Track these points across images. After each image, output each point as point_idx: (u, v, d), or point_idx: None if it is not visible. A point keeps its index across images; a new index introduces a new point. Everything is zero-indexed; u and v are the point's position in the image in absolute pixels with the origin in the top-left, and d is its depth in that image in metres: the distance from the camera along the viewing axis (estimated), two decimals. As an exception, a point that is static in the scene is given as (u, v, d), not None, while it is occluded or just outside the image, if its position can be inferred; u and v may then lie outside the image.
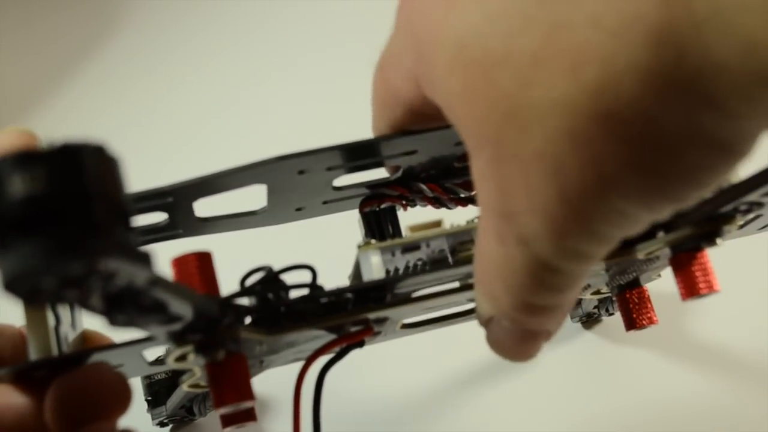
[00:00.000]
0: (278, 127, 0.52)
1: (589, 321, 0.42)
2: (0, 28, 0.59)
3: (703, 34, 0.16)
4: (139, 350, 0.26)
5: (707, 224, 0.26)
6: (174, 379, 0.33)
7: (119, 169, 0.17)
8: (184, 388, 0.30)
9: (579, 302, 0.40)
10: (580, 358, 0.42)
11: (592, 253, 0.21)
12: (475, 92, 0.20)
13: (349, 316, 0.26)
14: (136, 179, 0.21)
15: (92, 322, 0.27)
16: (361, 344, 0.29)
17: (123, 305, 0.19)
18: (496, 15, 0.19)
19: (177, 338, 0.24)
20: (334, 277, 0.28)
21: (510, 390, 0.41)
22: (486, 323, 0.26)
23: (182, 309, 0.21)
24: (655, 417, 0.39)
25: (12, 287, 0.16)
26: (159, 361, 0.29)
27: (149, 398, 0.36)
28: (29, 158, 0.16)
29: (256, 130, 0.53)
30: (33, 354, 0.25)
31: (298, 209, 0.31)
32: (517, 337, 0.25)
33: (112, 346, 0.25)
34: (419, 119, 0.26)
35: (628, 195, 0.19)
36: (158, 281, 0.18)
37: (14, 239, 0.16)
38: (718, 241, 0.27)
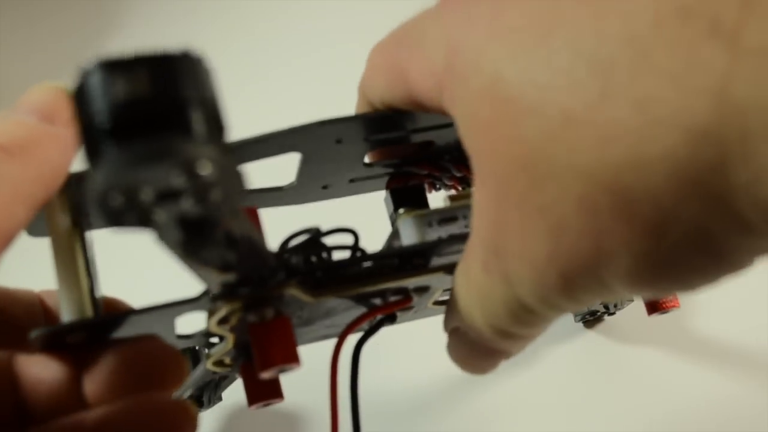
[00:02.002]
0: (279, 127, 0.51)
1: (591, 320, 0.42)
2: (0, 28, 0.58)
3: (749, 150, 0.16)
4: (176, 314, 0.25)
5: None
6: (193, 361, 0.31)
7: (216, 80, 0.17)
8: (208, 365, 0.29)
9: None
10: (583, 356, 0.42)
11: (570, 309, 0.21)
12: (498, 129, 0.20)
13: (394, 279, 0.26)
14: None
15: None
16: (393, 319, 0.29)
17: (200, 235, 0.18)
18: (541, 63, 0.19)
19: (229, 291, 0.23)
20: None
21: (512, 389, 0.41)
22: (451, 331, 0.26)
23: (251, 250, 0.20)
24: (658, 415, 0.39)
25: (106, 199, 0.16)
26: (185, 336, 0.28)
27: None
28: (131, 62, 0.16)
29: (256, 129, 0.52)
30: (67, 316, 0.24)
31: (325, 187, 0.31)
32: (479, 353, 0.26)
33: (152, 308, 0.24)
34: (414, 109, 0.26)
35: (617, 274, 0.19)
36: (241, 209, 0.18)
37: (113, 146, 0.15)
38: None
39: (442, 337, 0.36)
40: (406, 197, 0.30)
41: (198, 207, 0.17)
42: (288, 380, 0.30)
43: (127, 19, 0.60)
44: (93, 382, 0.23)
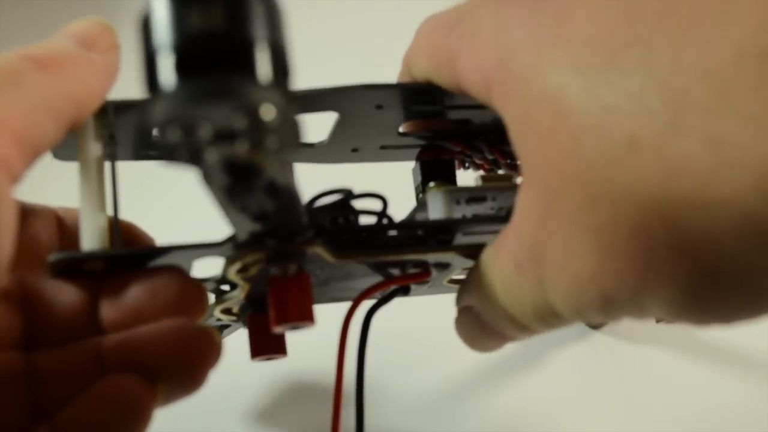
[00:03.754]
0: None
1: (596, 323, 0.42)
2: (0, 28, 0.57)
3: None
4: (196, 257, 0.25)
5: None
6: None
7: (284, 19, 0.16)
8: (216, 312, 0.29)
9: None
10: (590, 357, 0.42)
11: (598, 320, 0.21)
12: (556, 142, 0.19)
13: (417, 252, 0.26)
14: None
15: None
16: (407, 291, 0.29)
17: (245, 180, 0.18)
18: (610, 83, 0.18)
19: (256, 241, 0.23)
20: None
21: (520, 390, 0.41)
22: (463, 309, 0.26)
23: (289, 204, 0.20)
24: (666, 415, 0.39)
25: (164, 131, 0.15)
26: (199, 280, 0.27)
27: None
28: None
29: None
30: (87, 245, 0.24)
31: (355, 150, 0.30)
32: (488, 334, 0.26)
33: (175, 247, 0.24)
34: (458, 93, 0.25)
35: (659, 303, 0.19)
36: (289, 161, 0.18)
37: (179, 78, 0.15)
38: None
39: (448, 338, 0.36)
40: (435, 171, 0.30)
41: (251, 152, 0.16)
42: (294, 340, 0.30)
43: (127, 19, 0.59)
44: (111, 308, 0.23)
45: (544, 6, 0.21)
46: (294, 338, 0.30)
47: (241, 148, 0.16)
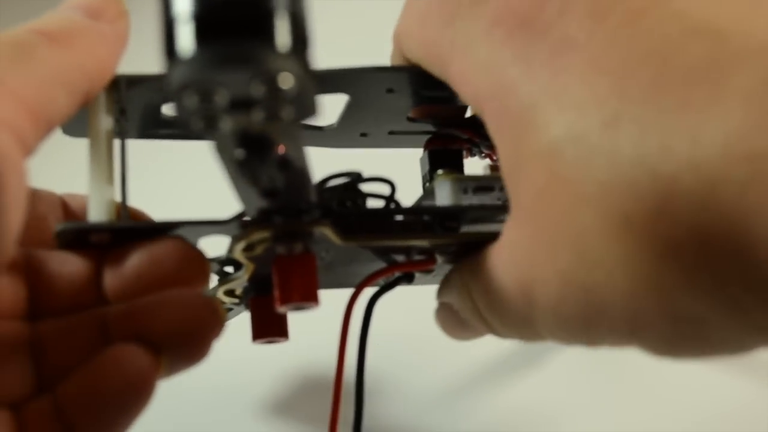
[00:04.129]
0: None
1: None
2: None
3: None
4: (202, 234, 0.25)
5: None
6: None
7: None
8: (219, 293, 0.29)
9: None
10: (590, 358, 0.42)
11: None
12: (552, 205, 0.20)
13: (424, 238, 0.25)
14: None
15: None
16: (410, 279, 0.28)
17: (259, 152, 0.18)
18: (604, 158, 0.19)
19: (264, 218, 0.23)
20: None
21: (521, 388, 0.41)
22: (443, 304, 0.27)
23: (300, 180, 0.20)
24: (667, 416, 0.39)
25: (181, 96, 0.15)
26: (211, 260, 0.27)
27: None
28: None
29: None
30: (94, 216, 0.24)
31: (363, 135, 0.30)
32: (466, 328, 0.27)
33: (178, 224, 0.24)
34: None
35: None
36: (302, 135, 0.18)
37: (198, 43, 0.15)
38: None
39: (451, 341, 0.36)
40: (443, 160, 0.30)
41: (267, 122, 0.16)
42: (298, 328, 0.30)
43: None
44: (114, 278, 0.23)
45: (537, 45, 0.21)
46: (297, 325, 0.30)
47: (256, 117, 0.16)
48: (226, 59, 0.15)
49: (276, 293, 0.24)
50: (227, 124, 0.16)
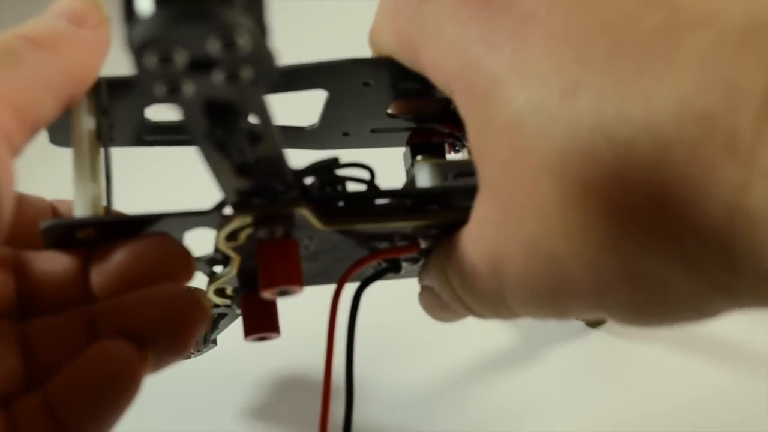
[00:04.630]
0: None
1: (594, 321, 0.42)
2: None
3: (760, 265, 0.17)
4: (186, 226, 0.25)
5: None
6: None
7: None
8: (209, 293, 0.29)
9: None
10: (588, 354, 0.42)
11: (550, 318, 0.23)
12: (516, 174, 0.21)
13: (405, 220, 0.26)
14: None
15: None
16: (398, 269, 0.29)
17: (224, 120, 0.19)
18: (565, 128, 0.19)
19: (243, 202, 0.23)
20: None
21: (517, 387, 0.41)
22: (425, 287, 0.28)
23: (271, 154, 0.21)
24: (662, 412, 0.39)
25: (141, 57, 0.16)
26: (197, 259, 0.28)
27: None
28: None
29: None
30: (79, 212, 0.24)
31: (346, 134, 0.31)
32: (449, 310, 0.27)
33: (162, 215, 0.24)
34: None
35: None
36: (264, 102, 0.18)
37: (155, 1, 0.15)
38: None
39: (446, 334, 0.36)
40: (425, 152, 0.30)
41: (228, 84, 0.17)
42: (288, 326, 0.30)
43: None
44: (100, 275, 0.23)
45: (501, 22, 0.21)
46: (287, 323, 0.30)
47: (217, 78, 0.17)
48: (182, 15, 0.15)
49: (260, 279, 0.24)
50: (190, 89, 0.17)
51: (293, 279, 0.24)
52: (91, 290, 0.24)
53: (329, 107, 0.29)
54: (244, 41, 0.16)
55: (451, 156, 0.31)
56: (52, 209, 0.27)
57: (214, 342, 0.36)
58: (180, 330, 0.23)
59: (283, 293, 0.24)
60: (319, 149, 0.32)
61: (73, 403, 0.22)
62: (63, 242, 0.24)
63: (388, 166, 0.32)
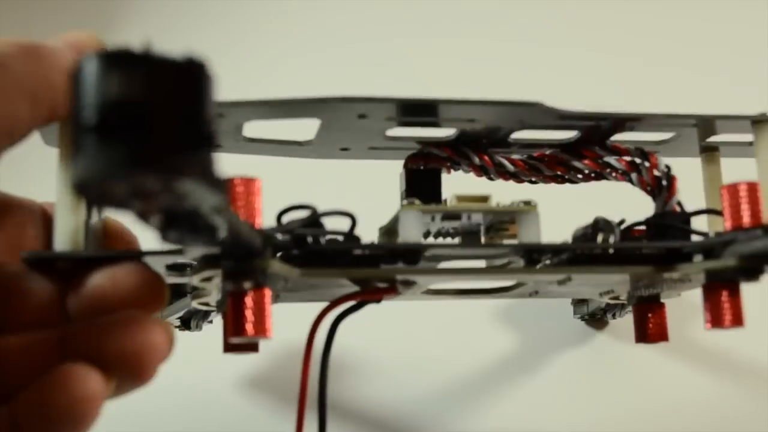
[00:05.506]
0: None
1: (595, 321, 0.42)
2: (0, 28, 0.57)
3: None
4: (165, 262, 0.25)
5: (754, 260, 0.26)
6: (180, 286, 0.32)
7: (212, 89, 0.16)
8: (194, 303, 0.30)
9: (584, 300, 0.40)
10: (590, 358, 0.42)
11: None
12: None
13: (380, 273, 0.26)
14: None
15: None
16: (378, 300, 0.29)
17: (179, 224, 0.18)
18: None
19: (212, 261, 0.23)
20: (364, 224, 0.28)
21: (522, 392, 0.41)
22: None
23: (231, 237, 0.20)
24: (666, 419, 0.39)
25: (83, 188, 0.16)
26: (175, 268, 0.28)
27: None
28: (131, 60, 0.15)
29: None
30: (60, 245, 0.25)
31: (344, 149, 0.30)
32: None
33: (139, 253, 0.25)
34: None
35: None
36: (224, 210, 0.18)
37: (96, 141, 0.15)
38: (757, 279, 0.27)
39: (450, 340, 0.37)
40: (421, 179, 0.30)
41: (169, 207, 0.17)
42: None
43: (126, 19, 0.59)
44: (76, 298, 0.24)
45: None
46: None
47: (165, 202, 0.17)
48: (121, 160, 0.15)
49: (227, 324, 0.25)
50: (138, 207, 0.17)
51: (261, 330, 0.24)
52: (68, 311, 0.24)
53: (323, 130, 0.28)
54: (183, 184, 0.16)
55: (450, 175, 0.31)
56: (43, 213, 0.27)
57: (210, 321, 0.37)
58: (140, 359, 0.23)
59: (252, 341, 0.25)
60: (319, 158, 0.31)
61: (33, 423, 0.23)
62: (44, 267, 0.25)
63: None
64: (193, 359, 0.37)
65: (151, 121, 0.15)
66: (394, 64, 0.53)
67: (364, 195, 0.35)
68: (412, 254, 0.26)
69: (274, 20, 0.59)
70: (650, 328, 0.33)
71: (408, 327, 0.42)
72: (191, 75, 0.16)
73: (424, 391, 0.41)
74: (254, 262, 0.23)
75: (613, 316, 0.39)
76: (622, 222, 0.29)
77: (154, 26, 0.58)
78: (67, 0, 0.60)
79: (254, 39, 0.57)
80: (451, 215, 0.28)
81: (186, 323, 0.36)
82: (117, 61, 0.15)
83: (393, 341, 0.42)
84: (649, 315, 0.33)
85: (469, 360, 0.42)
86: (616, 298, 0.33)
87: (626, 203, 0.30)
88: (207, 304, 0.30)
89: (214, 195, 0.17)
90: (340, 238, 0.26)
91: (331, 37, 0.56)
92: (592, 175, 0.32)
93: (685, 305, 0.36)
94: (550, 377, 0.41)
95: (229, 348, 0.29)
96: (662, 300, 0.33)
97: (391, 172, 0.31)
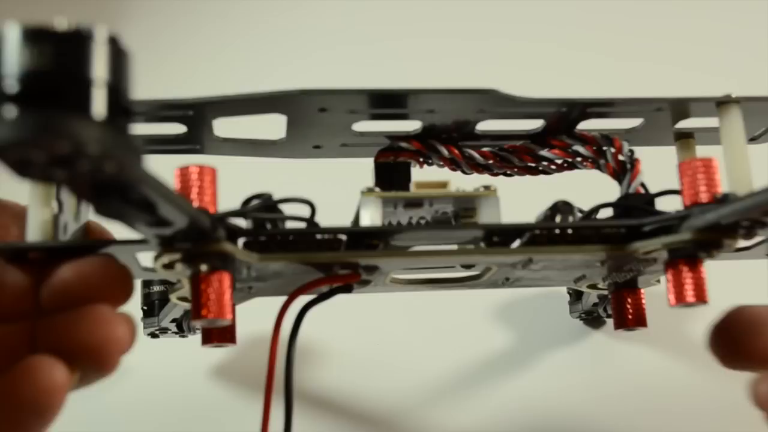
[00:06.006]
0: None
1: (592, 319, 0.42)
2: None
3: None
4: (133, 252, 0.27)
5: (708, 233, 0.26)
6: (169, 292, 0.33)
7: (128, 62, 0.18)
8: (173, 299, 0.31)
9: (579, 297, 0.40)
10: (587, 357, 0.42)
11: None
12: None
13: (339, 256, 0.27)
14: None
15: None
16: (348, 289, 0.29)
17: (111, 196, 0.19)
18: None
19: (166, 243, 0.24)
20: (335, 220, 0.28)
21: (515, 390, 0.42)
22: None
23: (172, 214, 0.21)
24: (661, 416, 0.39)
25: (2, 155, 0.17)
26: (152, 270, 0.29)
27: (144, 308, 0.37)
28: (41, 34, 0.17)
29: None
30: (32, 236, 0.26)
31: (316, 147, 0.31)
32: None
33: (107, 242, 0.26)
34: None
35: None
36: (146, 179, 0.19)
37: (12, 108, 0.16)
38: (715, 253, 0.27)
39: (443, 337, 0.37)
40: (390, 173, 0.30)
41: (94, 176, 0.18)
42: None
43: (126, 19, 0.61)
44: (47, 290, 0.25)
45: None
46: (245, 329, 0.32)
47: (84, 168, 0.18)
48: (35, 127, 0.16)
49: (192, 308, 0.25)
50: (61, 175, 0.18)
51: (220, 312, 0.25)
52: (41, 303, 0.26)
53: (292, 127, 0.29)
54: (94, 149, 0.17)
55: (422, 170, 0.31)
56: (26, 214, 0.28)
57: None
58: (103, 352, 0.24)
59: (212, 324, 0.26)
60: (294, 158, 0.32)
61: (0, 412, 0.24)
62: (18, 259, 0.26)
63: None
64: (161, 348, 0.39)
65: (60, 90, 0.17)
66: (381, 65, 0.54)
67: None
68: (373, 236, 0.26)
69: (274, 20, 0.60)
70: (628, 312, 0.33)
71: (400, 328, 0.42)
72: (100, 46, 0.17)
73: (414, 387, 0.42)
74: (208, 245, 0.24)
75: (605, 310, 0.39)
76: (596, 211, 0.30)
77: (153, 26, 0.60)
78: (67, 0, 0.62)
79: (254, 39, 0.59)
80: (412, 202, 0.28)
81: (180, 327, 0.37)
82: (31, 33, 0.17)
83: (387, 343, 0.43)
84: (627, 300, 0.33)
85: (445, 352, 0.43)
86: (595, 286, 0.34)
87: (605, 195, 0.30)
88: (186, 300, 0.31)
89: (130, 162, 0.18)
90: (303, 225, 0.27)
91: (331, 36, 0.57)
92: (564, 164, 0.32)
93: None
94: (544, 374, 0.41)
95: (207, 340, 0.30)
96: (640, 287, 0.33)
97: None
